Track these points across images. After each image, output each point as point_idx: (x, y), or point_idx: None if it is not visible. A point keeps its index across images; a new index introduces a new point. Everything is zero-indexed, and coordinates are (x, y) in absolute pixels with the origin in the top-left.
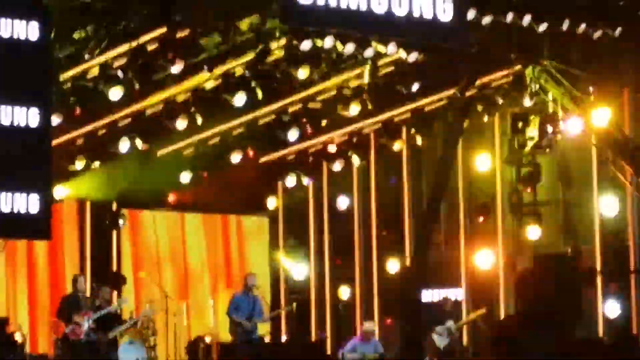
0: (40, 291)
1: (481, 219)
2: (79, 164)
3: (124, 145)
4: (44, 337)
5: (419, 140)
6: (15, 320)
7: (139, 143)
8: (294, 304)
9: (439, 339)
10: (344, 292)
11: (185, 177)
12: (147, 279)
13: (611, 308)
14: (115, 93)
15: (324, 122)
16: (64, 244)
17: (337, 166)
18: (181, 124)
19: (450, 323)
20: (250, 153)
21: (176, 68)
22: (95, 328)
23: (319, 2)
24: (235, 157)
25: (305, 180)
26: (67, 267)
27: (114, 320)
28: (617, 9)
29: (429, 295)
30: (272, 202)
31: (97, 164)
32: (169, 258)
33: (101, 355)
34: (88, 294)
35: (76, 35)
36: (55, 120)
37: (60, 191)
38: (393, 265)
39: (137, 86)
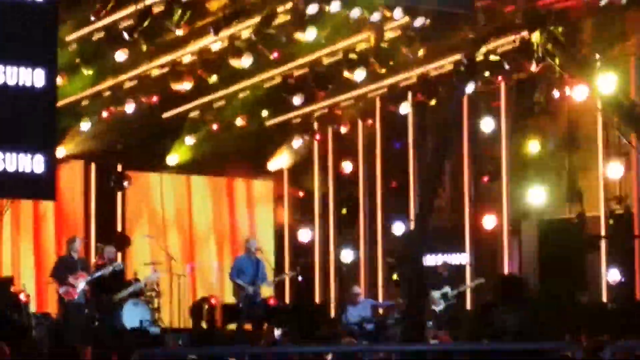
0: (46, 251)
1: (486, 179)
2: (85, 125)
3: (129, 107)
4: (50, 296)
5: (425, 105)
6: (20, 280)
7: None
8: (298, 269)
9: (435, 304)
10: (348, 255)
11: (190, 140)
12: (151, 241)
13: (614, 274)
14: (121, 55)
15: (329, 86)
16: (69, 204)
17: (343, 129)
18: (187, 86)
19: (447, 289)
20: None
21: (182, 30)
22: (93, 290)
23: None
24: (240, 120)
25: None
26: (72, 227)
27: (117, 281)
28: None
29: (432, 260)
30: (277, 165)
31: (102, 125)
32: (174, 220)
33: (98, 315)
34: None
35: None
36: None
37: (65, 151)
38: (398, 228)
39: (143, 48)
